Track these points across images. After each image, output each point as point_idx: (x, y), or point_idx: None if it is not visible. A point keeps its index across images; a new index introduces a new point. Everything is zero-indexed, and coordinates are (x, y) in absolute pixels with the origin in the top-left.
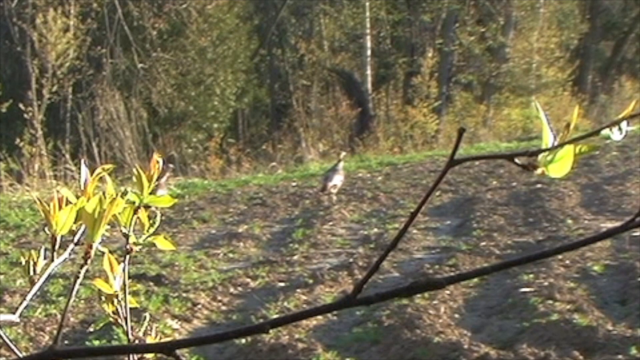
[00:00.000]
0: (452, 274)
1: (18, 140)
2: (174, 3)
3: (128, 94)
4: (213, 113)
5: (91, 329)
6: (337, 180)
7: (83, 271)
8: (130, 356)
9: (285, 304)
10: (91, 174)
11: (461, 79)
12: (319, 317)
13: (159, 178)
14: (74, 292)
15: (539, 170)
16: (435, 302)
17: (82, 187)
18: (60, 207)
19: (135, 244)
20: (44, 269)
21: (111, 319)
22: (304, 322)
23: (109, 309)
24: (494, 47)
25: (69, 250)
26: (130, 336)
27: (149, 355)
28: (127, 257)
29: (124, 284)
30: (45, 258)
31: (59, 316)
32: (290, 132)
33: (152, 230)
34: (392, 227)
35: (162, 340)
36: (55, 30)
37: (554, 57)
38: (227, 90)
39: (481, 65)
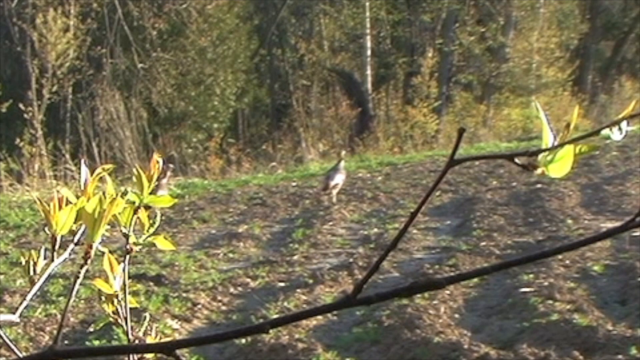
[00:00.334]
0: (452, 274)
1: (18, 140)
2: (174, 3)
3: (128, 94)
4: (213, 113)
5: (91, 329)
6: (339, 179)
7: (83, 271)
8: (130, 356)
9: (285, 304)
10: (91, 174)
11: (461, 79)
12: (319, 317)
13: (160, 178)
14: (74, 292)
15: (539, 170)
16: (435, 302)
17: (82, 187)
18: (60, 207)
19: (135, 244)
20: (44, 269)
21: (111, 319)
22: (304, 322)
23: (109, 309)
24: (494, 47)
25: (69, 250)
26: (130, 336)
27: (149, 355)
28: (127, 257)
29: (124, 284)
30: (45, 258)
31: (59, 316)
32: (290, 132)
33: (152, 230)
34: (392, 227)
35: (162, 340)
36: (55, 30)
37: (554, 57)
38: (227, 90)
39: (481, 65)
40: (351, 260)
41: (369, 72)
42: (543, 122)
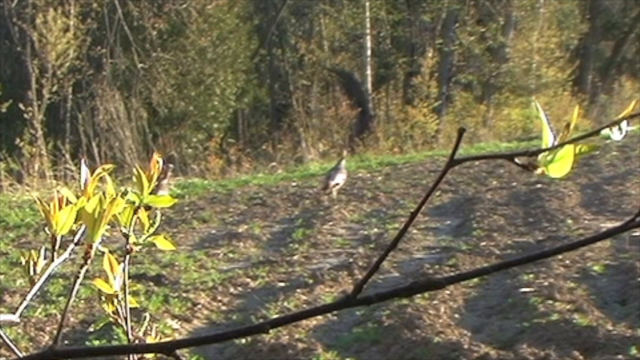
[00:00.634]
0: (452, 274)
1: (18, 140)
2: (174, 3)
3: (128, 94)
4: (213, 113)
5: (91, 329)
6: (340, 179)
7: (83, 271)
8: (130, 356)
9: (285, 304)
10: (91, 174)
11: (461, 79)
12: (319, 317)
13: (160, 179)
14: (74, 292)
15: (539, 170)
16: (435, 302)
17: (82, 187)
18: (60, 207)
19: (135, 244)
20: (44, 269)
21: (111, 319)
22: (304, 322)
23: (109, 309)
24: (494, 47)
25: (69, 250)
26: (130, 336)
27: (149, 355)
28: (127, 257)
29: (124, 284)
30: (45, 258)
31: (59, 316)
32: (290, 132)
33: (152, 230)
34: (392, 227)
35: (162, 340)
36: (55, 30)
37: (554, 57)
38: (227, 90)
39: (481, 65)
40: (351, 260)
41: (369, 72)
42: (543, 122)
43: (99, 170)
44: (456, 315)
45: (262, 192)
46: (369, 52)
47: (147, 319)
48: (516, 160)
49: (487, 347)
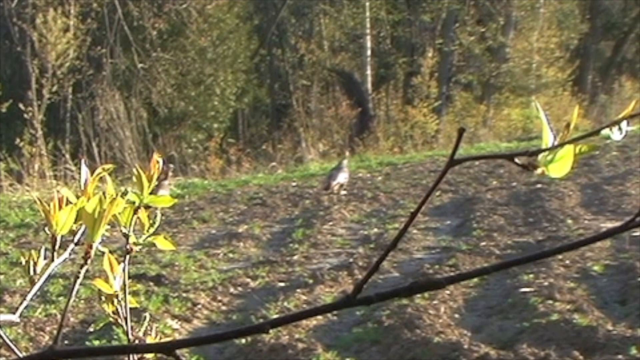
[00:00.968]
0: (452, 274)
1: (18, 140)
2: (174, 3)
3: (128, 94)
4: (213, 113)
5: (91, 329)
6: (342, 178)
7: (83, 271)
8: (131, 356)
9: (285, 304)
10: (91, 174)
11: (461, 79)
12: (319, 317)
13: (161, 179)
14: (74, 292)
15: (539, 170)
16: (435, 302)
17: (82, 187)
18: (60, 207)
19: (135, 244)
20: (44, 269)
21: (111, 319)
22: (304, 322)
23: (109, 309)
24: (494, 47)
25: (69, 250)
26: (130, 336)
27: (149, 355)
28: (127, 257)
29: (124, 284)
30: (45, 258)
31: (59, 316)
32: (290, 132)
33: (152, 230)
34: (392, 227)
35: (162, 341)
36: (55, 30)
37: (554, 57)
38: (227, 90)
39: (481, 65)
40: (351, 260)
41: (369, 72)
42: (543, 122)
43: (99, 170)
44: (456, 315)
45: (262, 192)
46: (369, 52)
47: (147, 319)
48: (516, 160)
49: (487, 347)
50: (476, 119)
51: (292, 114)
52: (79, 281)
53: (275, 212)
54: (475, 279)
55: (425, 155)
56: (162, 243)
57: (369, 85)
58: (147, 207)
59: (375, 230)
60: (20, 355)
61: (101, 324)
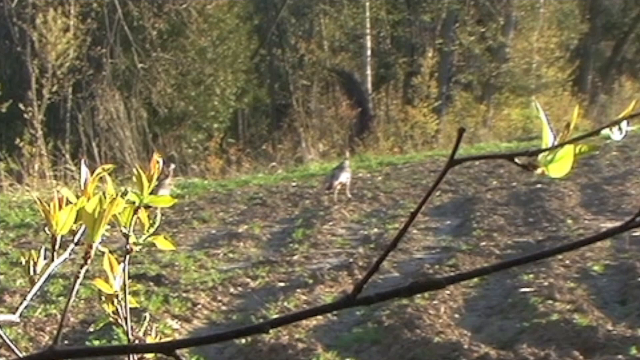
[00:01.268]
0: (452, 274)
1: (18, 140)
2: (174, 3)
3: (128, 94)
4: (213, 113)
5: (91, 329)
6: (344, 178)
7: (83, 271)
8: (131, 356)
9: (286, 304)
10: (91, 174)
11: (461, 79)
12: (319, 317)
13: (162, 178)
14: (74, 292)
15: (539, 170)
16: (435, 302)
17: (82, 187)
18: (60, 207)
19: (135, 244)
20: (44, 269)
21: (111, 319)
22: (304, 322)
23: (109, 309)
24: (494, 47)
25: (69, 250)
26: (130, 336)
27: (149, 356)
28: (127, 257)
29: (124, 284)
30: (45, 258)
31: (59, 316)
32: (290, 132)
33: (152, 230)
34: (392, 227)
35: (162, 341)
36: (55, 30)
37: (554, 57)
38: (227, 90)
39: (481, 65)
40: (351, 260)
41: (369, 72)
42: (543, 122)
43: (98, 170)
44: (456, 315)
45: (262, 192)
46: (369, 52)
47: (147, 319)
48: (516, 160)
49: (487, 347)
50: (476, 119)
51: (292, 114)
52: (79, 281)
53: (275, 212)
54: (475, 279)
55: (425, 155)
56: (162, 243)
57: (369, 85)
58: (147, 207)
59: (375, 230)
60: (20, 355)
61: (101, 324)
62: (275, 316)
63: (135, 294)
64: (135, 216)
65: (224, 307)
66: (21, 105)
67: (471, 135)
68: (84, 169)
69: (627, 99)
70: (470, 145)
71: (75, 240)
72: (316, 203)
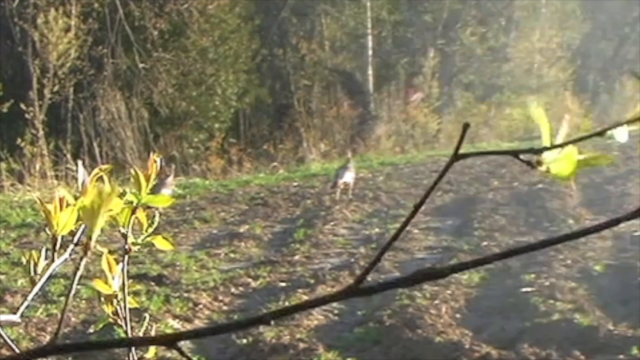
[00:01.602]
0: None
1: (19, 140)
2: (176, 3)
3: (129, 94)
4: (214, 113)
5: (91, 329)
6: (349, 177)
7: (82, 264)
8: (132, 353)
9: (287, 304)
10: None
11: (462, 79)
12: (320, 317)
13: (164, 178)
14: (75, 284)
15: (543, 167)
16: (436, 302)
17: (81, 188)
18: (61, 208)
19: (134, 244)
20: (44, 269)
21: (111, 320)
22: (305, 322)
23: (108, 309)
24: (495, 47)
25: (69, 250)
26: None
27: (151, 352)
28: (126, 257)
29: (123, 284)
30: (46, 258)
31: (60, 316)
32: (292, 132)
33: (150, 230)
34: (393, 227)
35: (163, 333)
36: (57, 30)
37: (555, 57)
38: (228, 90)
39: (482, 65)
40: (352, 260)
41: (370, 72)
42: (543, 121)
43: (96, 170)
44: (457, 315)
45: (264, 192)
46: (370, 52)
47: (147, 319)
48: (521, 157)
49: (488, 347)
50: (477, 119)
51: (294, 114)
52: (79, 273)
53: (276, 212)
54: (476, 279)
55: (427, 155)
56: (161, 243)
57: (371, 86)
58: (147, 207)
59: (377, 230)
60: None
61: (101, 325)
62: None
63: (136, 294)
64: (134, 216)
65: (225, 307)
66: (22, 105)
67: (473, 135)
68: (81, 170)
69: (628, 98)
70: (471, 144)
71: (75, 240)
72: (317, 203)
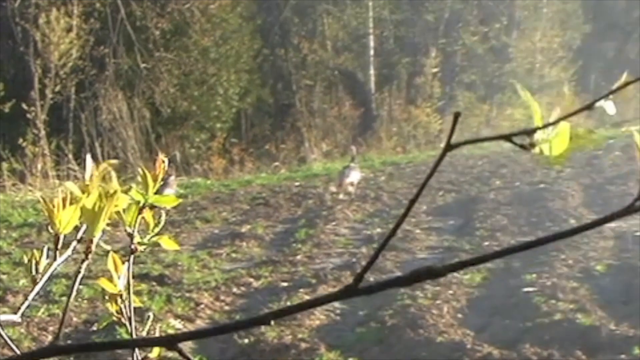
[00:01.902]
0: (455, 273)
1: (21, 140)
2: (177, 3)
3: (131, 93)
4: (216, 113)
5: (94, 328)
6: (354, 177)
7: (84, 266)
8: (135, 354)
9: (288, 303)
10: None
11: (464, 79)
12: (322, 317)
13: (167, 177)
14: (76, 286)
15: (536, 149)
16: (438, 301)
17: (87, 182)
18: (64, 206)
19: (139, 243)
20: (46, 268)
21: (115, 318)
22: (307, 321)
23: (112, 308)
24: (497, 46)
25: (70, 249)
26: (133, 336)
27: (154, 354)
28: (131, 256)
29: (128, 284)
30: (47, 257)
31: (61, 316)
32: (293, 132)
33: (156, 230)
34: None
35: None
36: (58, 30)
37: (557, 57)
38: (230, 90)
39: (484, 65)
40: (354, 260)
41: (372, 71)
42: (531, 102)
43: (103, 165)
44: (459, 315)
45: (265, 192)
46: (372, 52)
47: (151, 318)
48: (514, 139)
49: (490, 347)
50: (479, 119)
51: (295, 113)
52: (80, 276)
53: (278, 212)
54: (478, 279)
55: (428, 155)
56: (166, 243)
57: (372, 85)
58: (152, 207)
59: (378, 230)
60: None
61: (104, 323)
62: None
63: (138, 293)
64: (140, 216)
65: (226, 307)
66: (24, 105)
67: (474, 135)
68: (89, 162)
69: (630, 99)
70: (472, 144)
71: (77, 237)
72: (319, 203)
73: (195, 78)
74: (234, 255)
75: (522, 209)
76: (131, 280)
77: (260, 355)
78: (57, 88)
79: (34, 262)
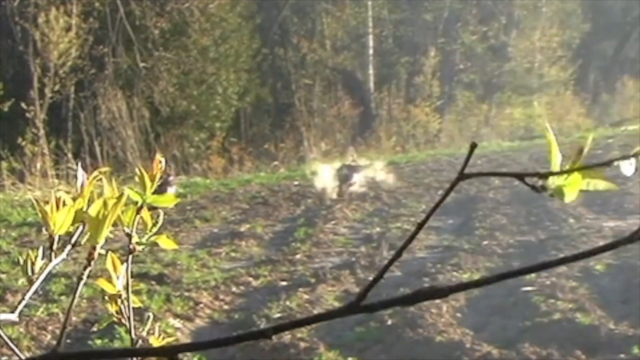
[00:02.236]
0: (454, 272)
1: (20, 139)
2: (176, 2)
3: (130, 93)
4: (215, 112)
5: (94, 329)
6: (357, 177)
7: (86, 273)
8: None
9: (288, 303)
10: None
11: (463, 78)
12: None
13: (167, 177)
14: (77, 294)
15: (547, 193)
16: (437, 301)
17: (79, 189)
18: (58, 208)
19: (138, 243)
20: (42, 268)
21: (114, 319)
22: None
23: (112, 308)
24: (496, 46)
25: (66, 251)
26: (133, 336)
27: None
28: (130, 256)
29: (127, 284)
30: (44, 257)
31: (60, 315)
32: (293, 131)
33: (155, 229)
34: (394, 226)
35: (164, 344)
36: (58, 30)
37: (556, 57)
38: (229, 90)
39: (483, 64)
40: (353, 259)
41: (371, 71)
42: (553, 145)
43: (95, 173)
44: (458, 315)
45: (264, 191)
46: (371, 51)
47: (151, 318)
48: (526, 180)
49: (489, 346)
50: (478, 118)
51: (294, 113)
52: (82, 283)
53: (277, 211)
54: (477, 277)
55: (427, 155)
56: (165, 242)
57: (371, 85)
58: (150, 207)
59: (377, 229)
60: (22, 355)
61: (105, 324)
62: (277, 316)
63: (137, 293)
64: (138, 216)
65: (226, 306)
66: (23, 105)
67: (474, 135)
68: (81, 171)
69: (629, 98)
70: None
71: (72, 241)
72: (318, 202)
73: (195, 77)
74: (233, 254)
75: (521, 208)
76: (130, 280)
77: (259, 354)
78: (57, 87)
79: (29, 262)
